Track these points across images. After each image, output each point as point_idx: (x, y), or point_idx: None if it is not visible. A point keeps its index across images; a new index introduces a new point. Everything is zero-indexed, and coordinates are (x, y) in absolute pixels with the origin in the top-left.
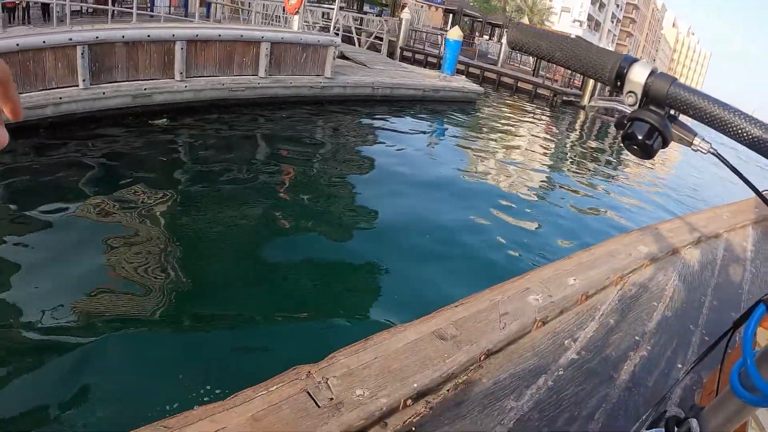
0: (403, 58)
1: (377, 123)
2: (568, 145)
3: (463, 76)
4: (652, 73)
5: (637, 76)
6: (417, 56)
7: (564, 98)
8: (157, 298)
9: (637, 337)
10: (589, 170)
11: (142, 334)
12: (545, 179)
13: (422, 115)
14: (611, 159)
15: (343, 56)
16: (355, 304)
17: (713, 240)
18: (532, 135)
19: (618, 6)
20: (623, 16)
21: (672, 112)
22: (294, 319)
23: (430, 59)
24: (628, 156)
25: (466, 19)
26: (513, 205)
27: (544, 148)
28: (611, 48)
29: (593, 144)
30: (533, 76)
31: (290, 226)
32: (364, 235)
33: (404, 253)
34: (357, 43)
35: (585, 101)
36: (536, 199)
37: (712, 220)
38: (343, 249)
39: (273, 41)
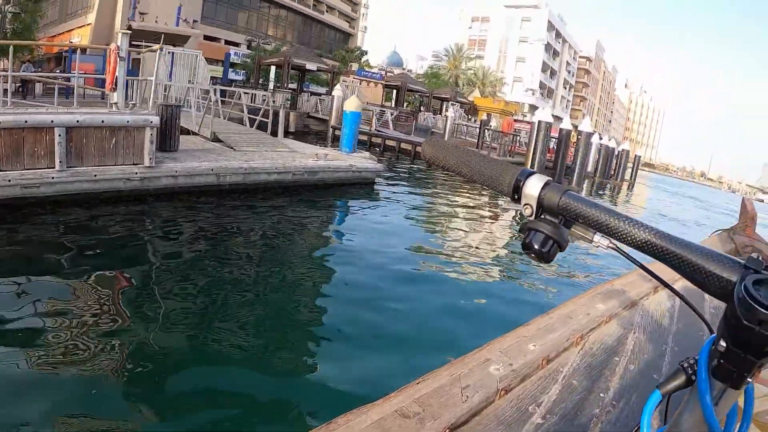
0: (335, 138)
1: (218, 220)
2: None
3: (367, 153)
4: (546, 185)
5: (532, 189)
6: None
7: None
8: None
9: (602, 395)
10: None
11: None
12: (490, 252)
13: (284, 206)
14: None
15: (216, 138)
16: (313, 388)
17: (667, 289)
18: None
19: (569, 72)
20: (576, 81)
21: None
22: (257, 407)
23: (361, 138)
24: None
25: (413, 94)
26: (468, 278)
27: (475, 224)
28: (566, 114)
29: None
30: (477, 148)
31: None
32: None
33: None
34: (248, 123)
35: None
36: (489, 272)
37: (666, 268)
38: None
39: (68, 125)
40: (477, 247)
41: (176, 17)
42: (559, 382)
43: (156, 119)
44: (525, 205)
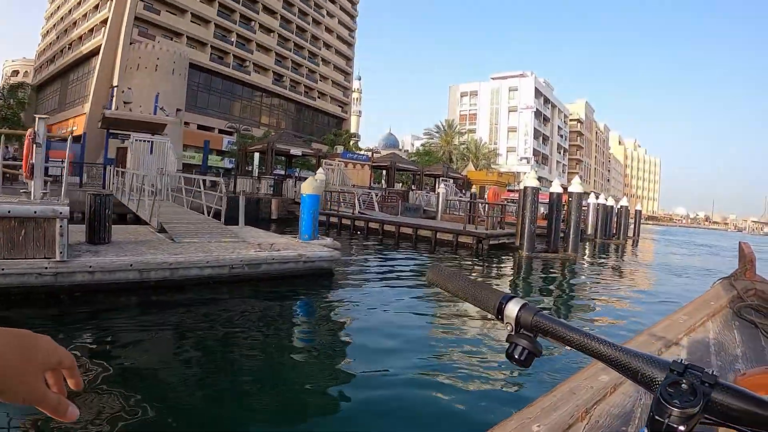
0: (320, 223)
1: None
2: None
3: (329, 239)
4: (522, 307)
5: (511, 311)
6: (331, 219)
7: (492, 242)
8: None
9: None
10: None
11: None
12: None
13: (207, 305)
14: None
15: (162, 229)
16: None
17: (674, 347)
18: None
19: (561, 136)
20: (569, 145)
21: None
22: None
23: (344, 222)
24: (579, 290)
25: (404, 173)
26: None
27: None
28: (564, 178)
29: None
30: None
31: None
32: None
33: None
34: (205, 212)
35: (519, 243)
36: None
37: (669, 328)
38: None
39: None
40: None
41: (154, 105)
42: None
43: (65, 210)
44: (507, 323)
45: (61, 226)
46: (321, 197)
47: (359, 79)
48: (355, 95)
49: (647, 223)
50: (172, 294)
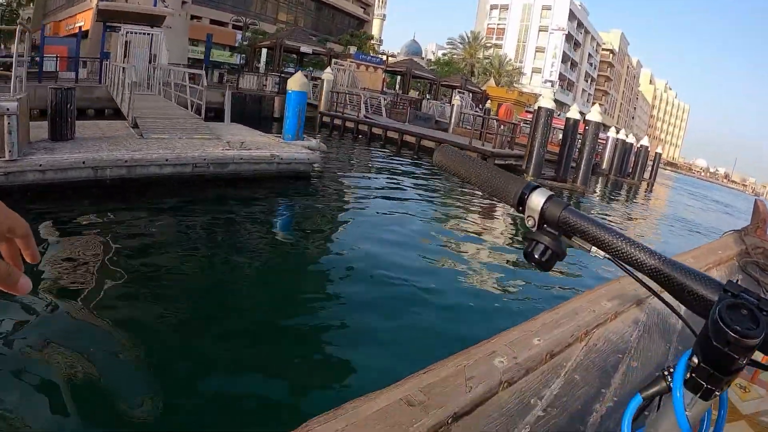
0: (323, 125)
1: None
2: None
3: (315, 140)
4: (549, 199)
5: (535, 202)
6: (335, 122)
7: (498, 162)
8: None
9: (603, 390)
10: None
11: None
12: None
13: (170, 207)
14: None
15: (136, 124)
16: (326, 372)
17: None
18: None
19: (591, 65)
20: (598, 75)
21: None
22: (267, 387)
23: (349, 125)
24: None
25: (421, 81)
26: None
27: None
28: (588, 107)
29: None
30: (480, 138)
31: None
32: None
33: (373, 323)
34: (189, 107)
35: (526, 166)
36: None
37: None
38: (306, 318)
39: None
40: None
41: None
42: (562, 377)
43: (13, 105)
44: (528, 216)
45: (9, 123)
46: (328, 97)
47: None
48: None
49: (666, 169)
50: (129, 194)
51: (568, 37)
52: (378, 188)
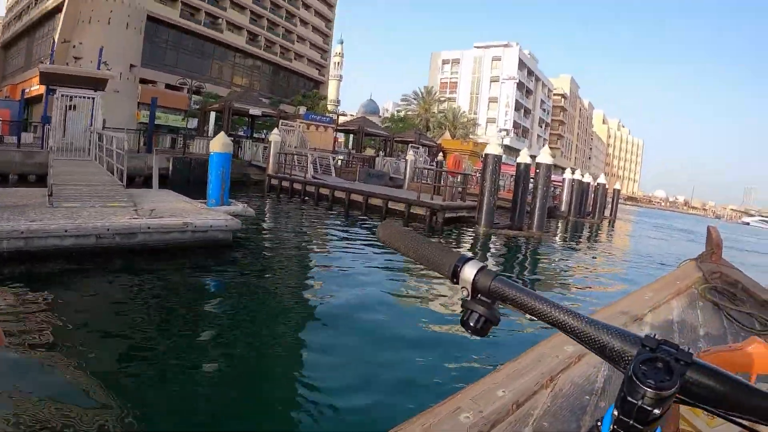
0: (271, 189)
1: None
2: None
3: (241, 205)
4: (480, 270)
5: (467, 274)
6: (283, 184)
7: (449, 215)
8: None
9: None
10: None
11: None
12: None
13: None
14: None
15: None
16: None
17: (637, 323)
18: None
19: (544, 110)
20: (551, 119)
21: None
22: None
23: (297, 187)
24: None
25: (375, 139)
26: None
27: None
28: (550, 154)
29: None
30: (434, 194)
31: None
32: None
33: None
34: (116, 172)
35: (478, 217)
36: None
37: (634, 304)
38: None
39: None
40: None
41: (98, 60)
42: (530, 425)
43: None
44: (462, 287)
45: None
46: (276, 159)
47: (341, 42)
48: (336, 59)
49: (626, 204)
50: (26, 267)
51: (520, 86)
52: (311, 254)
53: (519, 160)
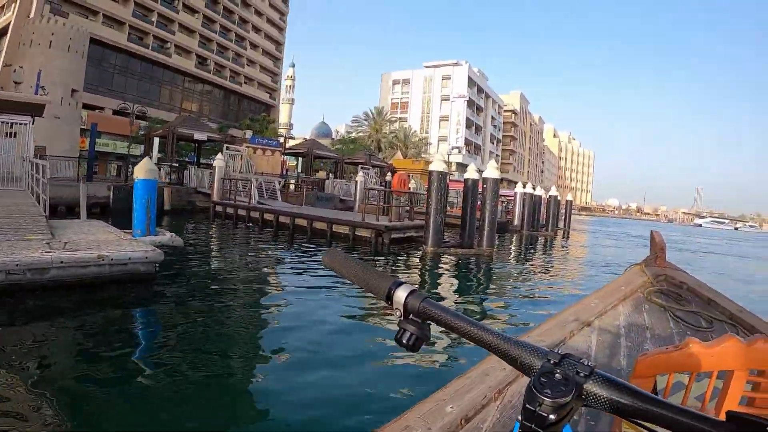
0: (216, 215)
1: None
2: None
3: (169, 234)
4: (410, 293)
5: (399, 297)
6: (228, 210)
7: (396, 236)
8: None
9: None
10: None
11: None
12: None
13: None
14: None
15: None
16: None
17: (585, 330)
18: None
19: (495, 126)
20: (503, 136)
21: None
22: None
23: (242, 213)
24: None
25: (324, 161)
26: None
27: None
28: (496, 167)
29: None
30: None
31: None
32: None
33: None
34: (41, 203)
35: (425, 236)
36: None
37: (581, 312)
38: None
39: None
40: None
41: (36, 84)
42: None
43: None
44: (396, 309)
45: None
46: (220, 185)
47: (293, 66)
48: (288, 83)
49: (580, 215)
50: None
51: (470, 103)
52: (246, 283)
53: (466, 175)
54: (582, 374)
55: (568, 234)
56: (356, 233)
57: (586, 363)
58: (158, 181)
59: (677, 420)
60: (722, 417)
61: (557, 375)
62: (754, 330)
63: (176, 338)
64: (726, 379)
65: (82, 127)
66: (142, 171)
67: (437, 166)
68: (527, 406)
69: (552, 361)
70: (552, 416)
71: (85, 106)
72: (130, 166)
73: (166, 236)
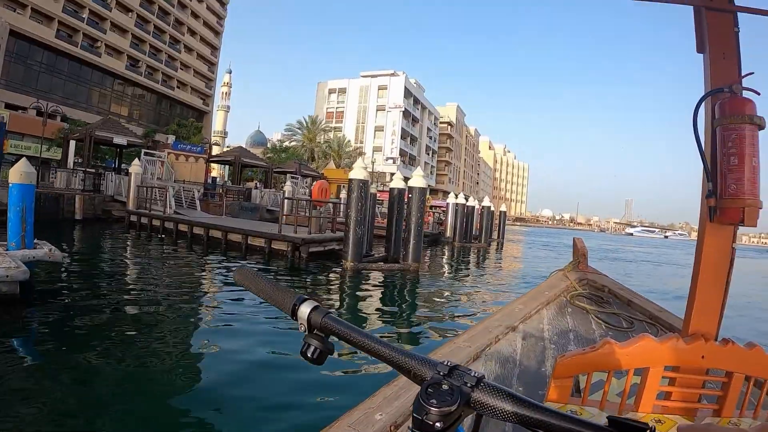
0: (131, 226)
1: None
2: None
3: (48, 247)
4: (313, 309)
5: (303, 312)
6: (142, 220)
7: (315, 249)
8: None
9: None
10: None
11: None
12: None
13: None
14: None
15: None
16: None
17: (510, 334)
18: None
19: (431, 138)
20: (438, 147)
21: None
22: None
23: (157, 224)
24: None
25: (254, 170)
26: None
27: None
28: (432, 179)
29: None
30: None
31: None
32: None
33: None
34: None
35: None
36: None
37: (506, 317)
38: None
39: None
40: None
41: None
42: None
43: None
44: (300, 324)
45: None
46: (137, 193)
47: (230, 72)
48: (224, 89)
49: (515, 225)
50: None
51: (406, 114)
52: (138, 302)
53: (392, 185)
54: (469, 384)
55: (502, 245)
56: (272, 246)
57: (473, 374)
58: (35, 185)
59: (560, 426)
60: (642, 411)
61: (444, 385)
62: (672, 329)
63: (35, 382)
64: (642, 376)
65: None
66: (17, 174)
67: (358, 173)
68: (415, 415)
69: (441, 373)
70: (438, 424)
71: (7, 106)
72: (39, 168)
73: (44, 250)
